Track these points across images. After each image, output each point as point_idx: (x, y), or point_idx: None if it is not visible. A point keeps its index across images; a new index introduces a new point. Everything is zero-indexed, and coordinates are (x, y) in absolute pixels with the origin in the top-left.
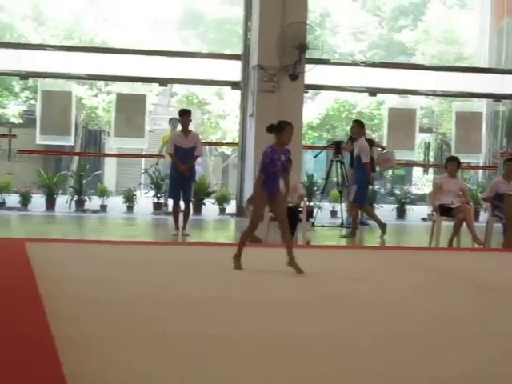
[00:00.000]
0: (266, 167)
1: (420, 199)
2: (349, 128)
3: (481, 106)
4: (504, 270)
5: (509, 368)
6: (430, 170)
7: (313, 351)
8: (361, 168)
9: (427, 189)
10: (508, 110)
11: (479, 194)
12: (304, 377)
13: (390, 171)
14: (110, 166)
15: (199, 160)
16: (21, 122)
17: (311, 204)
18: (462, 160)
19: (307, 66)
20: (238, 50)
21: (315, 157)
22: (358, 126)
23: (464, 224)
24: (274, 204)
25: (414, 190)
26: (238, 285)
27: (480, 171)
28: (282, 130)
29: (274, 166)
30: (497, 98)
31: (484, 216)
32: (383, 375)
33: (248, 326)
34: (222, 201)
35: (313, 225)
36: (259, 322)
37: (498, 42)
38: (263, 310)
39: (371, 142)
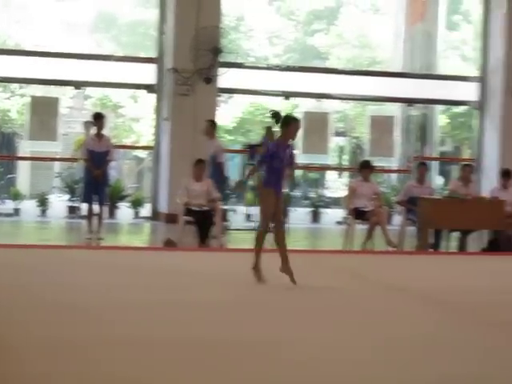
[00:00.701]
0: (270, 162)
1: (334, 203)
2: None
3: (394, 110)
4: (417, 273)
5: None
6: (345, 174)
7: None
8: (216, 167)
9: (341, 192)
10: (421, 114)
11: (393, 198)
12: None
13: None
14: (23, 170)
15: (113, 164)
16: None
17: (226, 207)
18: (375, 164)
19: (221, 70)
20: (153, 53)
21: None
22: (211, 126)
23: (378, 227)
24: (276, 204)
25: (329, 193)
26: (151, 288)
27: (394, 175)
28: (289, 124)
29: (281, 161)
30: (410, 102)
31: (398, 219)
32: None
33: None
34: (136, 204)
35: (228, 228)
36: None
37: (412, 47)
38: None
39: None
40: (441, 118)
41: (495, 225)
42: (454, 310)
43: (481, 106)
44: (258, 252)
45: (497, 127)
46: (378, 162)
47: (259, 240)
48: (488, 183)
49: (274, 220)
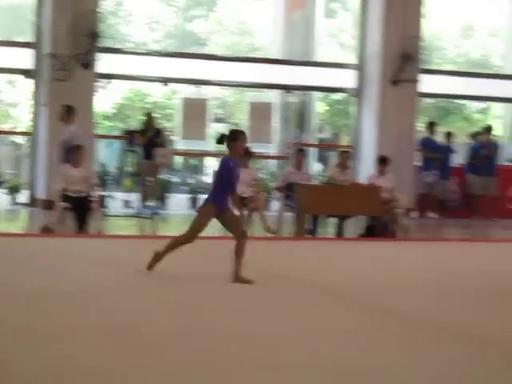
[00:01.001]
0: (229, 179)
1: None
2: (142, 118)
3: (273, 96)
4: (294, 259)
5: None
6: None
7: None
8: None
9: None
10: (300, 101)
11: (271, 184)
12: None
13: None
14: None
15: None
16: None
17: (104, 194)
18: (254, 150)
19: (99, 55)
20: (30, 38)
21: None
22: (66, 111)
23: (257, 213)
24: (224, 217)
25: (208, 179)
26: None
27: (272, 161)
28: (238, 139)
29: (234, 179)
30: (288, 88)
31: (276, 205)
32: None
33: None
34: (13, 190)
35: (106, 214)
36: None
37: (291, 34)
38: None
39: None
40: (319, 105)
41: (372, 211)
42: (326, 292)
43: (358, 93)
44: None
45: (374, 114)
46: (256, 149)
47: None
48: (365, 170)
49: (233, 231)
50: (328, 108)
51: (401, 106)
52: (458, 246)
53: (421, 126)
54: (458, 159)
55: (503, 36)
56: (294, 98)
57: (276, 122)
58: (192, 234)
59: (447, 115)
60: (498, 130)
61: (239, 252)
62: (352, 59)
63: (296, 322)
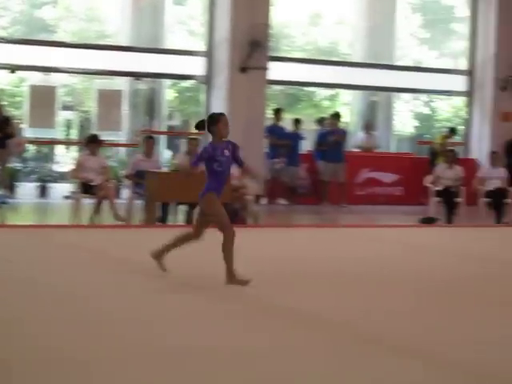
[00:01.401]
0: (209, 165)
1: (63, 177)
2: None
3: (122, 84)
4: (143, 246)
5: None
6: (73, 148)
7: None
8: None
9: (70, 167)
10: (149, 88)
11: (121, 172)
12: None
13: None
14: None
15: None
16: None
17: None
18: (103, 138)
19: None
20: None
21: None
22: None
23: (106, 201)
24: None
25: (57, 168)
26: None
27: (122, 149)
28: (218, 122)
29: (220, 165)
30: (137, 76)
31: (126, 193)
32: None
33: None
34: None
35: None
36: None
37: (139, 21)
38: None
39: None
40: (169, 93)
41: (222, 198)
42: (175, 279)
43: (208, 80)
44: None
45: (223, 102)
46: (106, 136)
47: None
48: None
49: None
50: (177, 95)
51: (250, 93)
52: (308, 232)
53: (270, 113)
54: (307, 146)
55: (350, 24)
56: (143, 85)
57: (125, 109)
58: (223, 222)
59: (296, 102)
60: (346, 117)
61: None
62: (201, 46)
63: (140, 313)
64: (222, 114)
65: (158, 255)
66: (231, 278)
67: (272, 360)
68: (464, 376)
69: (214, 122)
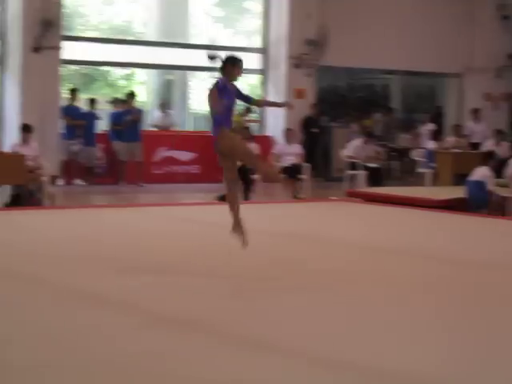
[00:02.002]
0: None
1: None
2: None
3: None
4: None
5: None
6: None
7: None
8: None
9: None
10: None
11: None
12: None
13: None
14: None
15: None
16: None
17: None
18: None
19: None
20: None
21: None
22: None
23: None
24: None
25: None
26: None
27: None
28: (235, 65)
29: (229, 101)
30: None
31: None
32: None
33: None
34: None
35: None
36: None
37: None
38: None
39: None
40: None
41: (17, 180)
42: None
43: (1, 61)
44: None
45: (17, 83)
46: None
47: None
48: (9, 139)
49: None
50: None
51: (44, 74)
52: (105, 212)
53: (65, 94)
54: (104, 126)
55: (144, 3)
56: None
57: None
58: (253, 157)
59: (92, 82)
60: (141, 96)
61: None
62: None
63: None
64: (241, 61)
65: (237, 228)
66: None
67: None
68: None
69: (232, 63)
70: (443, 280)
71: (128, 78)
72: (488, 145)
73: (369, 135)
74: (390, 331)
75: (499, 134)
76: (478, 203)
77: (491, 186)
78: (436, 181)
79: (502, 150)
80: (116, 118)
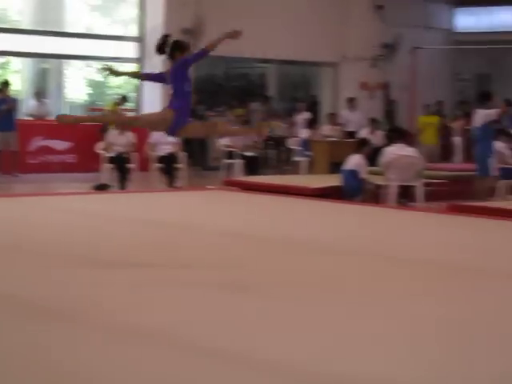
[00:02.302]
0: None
1: None
2: None
3: None
4: None
5: None
6: None
7: None
8: None
9: None
10: None
11: None
12: None
13: None
14: None
15: None
16: None
17: None
18: None
19: None
20: None
21: None
22: None
23: None
24: None
25: None
26: None
27: None
28: (185, 51)
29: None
30: None
31: None
32: None
33: None
34: None
35: None
36: None
37: None
38: None
39: None
40: None
41: None
42: None
43: None
44: None
45: None
46: None
47: None
48: None
49: None
50: None
51: None
52: None
53: None
54: None
55: None
56: None
57: None
58: None
59: None
60: (16, 85)
61: None
62: None
63: None
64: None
65: None
66: None
67: None
68: None
69: (184, 49)
70: (321, 269)
71: (2, 66)
72: (363, 133)
73: (244, 124)
74: (262, 319)
75: (374, 123)
76: (352, 191)
77: (364, 174)
78: (312, 169)
79: (376, 138)
80: None
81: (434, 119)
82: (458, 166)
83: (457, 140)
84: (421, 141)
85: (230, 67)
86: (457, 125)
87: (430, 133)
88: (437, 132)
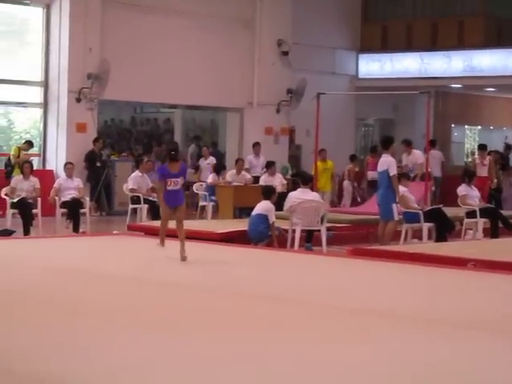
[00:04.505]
0: None
1: None
2: None
3: None
4: None
5: None
6: None
7: None
8: None
9: None
10: None
11: None
12: None
13: None
14: None
15: None
16: None
17: None
18: None
19: None
20: None
21: None
22: None
23: None
24: None
25: None
26: None
27: None
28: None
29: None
30: None
31: None
32: None
33: None
34: None
35: None
36: None
37: None
38: None
39: None
40: None
41: None
42: None
43: None
44: None
45: None
46: None
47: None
48: None
49: None
50: None
51: None
52: None
53: None
54: None
55: None
56: None
57: None
58: None
59: None
60: None
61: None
62: None
63: None
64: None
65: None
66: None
67: None
68: None
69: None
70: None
71: None
72: (262, 178)
73: (150, 168)
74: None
75: (271, 166)
76: (260, 236)
77: (272, 218)
78: (217, 214)
79: (276, 180)
80: None
81: (330, 164)
82: (361, 209)
83: (346, 183)
84: (317, 187)
85: (136, 112)
86: (348, 169)
87: (325, 178)
88: (331, 177)
